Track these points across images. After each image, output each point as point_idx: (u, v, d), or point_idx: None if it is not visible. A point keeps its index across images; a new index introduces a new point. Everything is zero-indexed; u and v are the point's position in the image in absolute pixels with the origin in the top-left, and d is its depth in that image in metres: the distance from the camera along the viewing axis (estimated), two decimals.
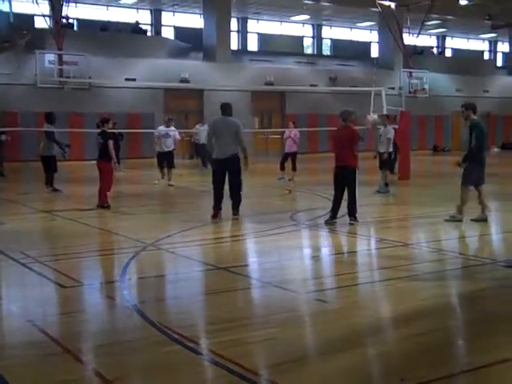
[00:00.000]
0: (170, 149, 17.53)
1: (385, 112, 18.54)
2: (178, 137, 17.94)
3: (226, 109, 10.92)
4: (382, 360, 4.64)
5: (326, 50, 45.94)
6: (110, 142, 12.49)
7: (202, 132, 22.57)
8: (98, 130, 13.49)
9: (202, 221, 10.90)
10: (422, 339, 4.94)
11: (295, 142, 18.31)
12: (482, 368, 4.37)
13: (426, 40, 46.82)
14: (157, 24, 39.10)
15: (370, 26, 43.37)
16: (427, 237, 9.94)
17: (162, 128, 17.86)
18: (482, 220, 10.47)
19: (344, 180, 10.40)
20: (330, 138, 10.71)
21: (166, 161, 17.39)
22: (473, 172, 10.34)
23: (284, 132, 19.93)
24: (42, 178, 16.08)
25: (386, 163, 15.21)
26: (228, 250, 9.04)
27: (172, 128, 17.92)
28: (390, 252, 8.36)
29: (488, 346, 4.79)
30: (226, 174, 10.88)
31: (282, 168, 18.48)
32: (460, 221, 10.43)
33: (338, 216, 10.55)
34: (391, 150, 15.35)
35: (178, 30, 39.40)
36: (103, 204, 12.38)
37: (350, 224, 10.25)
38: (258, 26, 42.92)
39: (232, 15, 34.76)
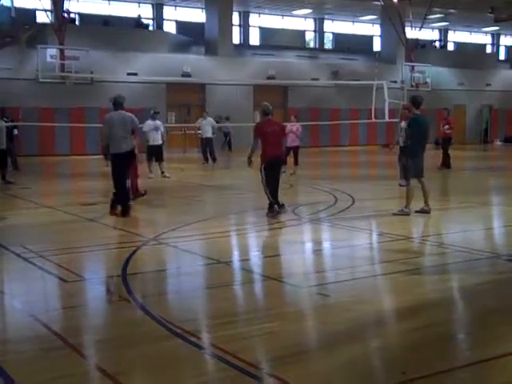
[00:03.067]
0: (160, 143, 17.70)
1: (387, 107, 18.54)
2: (162, 130, 18.15)
3: (118, 102, 10.74)
4: (383, 353, 4.64)
5: (328, 44, 45.85)
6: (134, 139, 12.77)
7: (204, 126, 22.61)
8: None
9: (204, 215, 10.91)
10: (423, 333, 4.94)
11: (297, 137, 18.31)
12: (485, 361, 4.36)
13: (429, 33, 46.69)
14: (158, 18, 39.05)
15: (372, 19, 43.25)
16: (429, 230, 9.94)
17: (149, 122, 17.90)
18: (405, 214, 10.50)
19: (277, 173, 10.68)
20: (262, 133, 10.63)
21: (155, 155, 17.58)
22: (414, 165, 10.59)
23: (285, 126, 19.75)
24: (44, 173, 16.12)
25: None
26: (230, 244, 9.04)
27: (158, 122, 18.09)
28: (391, 246, 8.36)
29: (490, 340, 4.79)
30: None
31: (285, 162, 18.41)
32: (407, 214, 10.46)
33: (342, 209, 10.51)
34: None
35: (180, 25, 39.34)
36: (138, 193, 12.67)
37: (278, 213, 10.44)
38: (259, 20, 42.83)
39: (233, 9, 34.69)
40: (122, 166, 10.77)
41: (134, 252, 7.93)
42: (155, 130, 17.71)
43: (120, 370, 4.29)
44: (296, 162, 18.32)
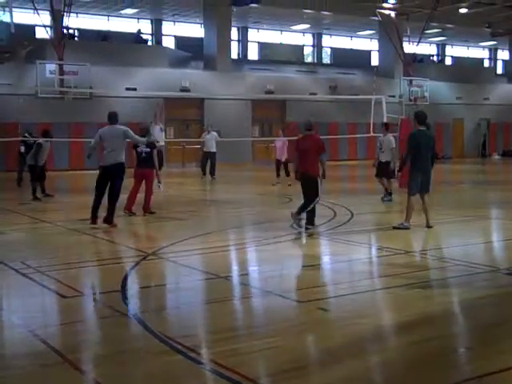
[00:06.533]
0: None
1: (385, 120, 18.59)
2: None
3: (111, 117, 11.52)
4: (383, 368, 4.62)
5: (326, 59, 46.05)
6: (155, 152, 13.22)
7: (207, 140, 22.75)
8: None
9: (203, 230, 10.89)
10: (424, 347, 4.92)
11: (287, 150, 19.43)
12: (486, 376, 4.34)
13: (426, 48, 46.93)
14: (157, 34, 39.24)
15: (370, 34, 43.49)
16: (428, 244, 9.93)
17: None
18: (405, 228, 10.50)
19: (306, 187, 10.68)
20: (296, 148, 10.90)
21: None
22: (413, 181, 10.69)
23: (276, 140, 20.68)
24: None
25: (390, 172, 15.01)
26: (229, 259, 9.03)
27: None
28: (390, 260, 8.34)
29: (491, 354, 4.77)
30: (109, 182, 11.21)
31: (278, 175, 19.69)
32: (407, 228, 10.49)
33: (341, 223, 10.50)
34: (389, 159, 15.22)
35: (179, 40, 39.52)
36: (149, 210, 12.87)
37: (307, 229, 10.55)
38: (258, 35, 43.04)
39: (232, 24, 34.87)
40: (106, 177, 11.14)
41: (134, 267, 7.92)
42: None
43: None
44: (288, 174, 19.14)
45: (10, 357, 4.93)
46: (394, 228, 10.52)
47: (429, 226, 10.61)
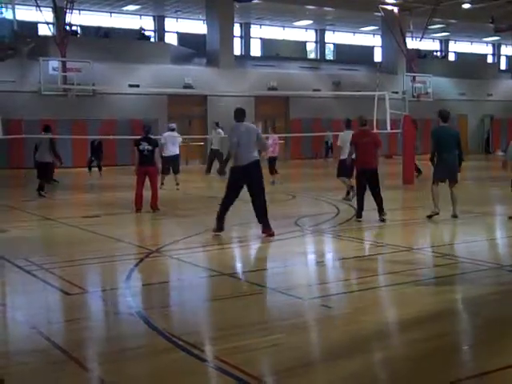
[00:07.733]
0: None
1: (388, 116, 18.57)
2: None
3: (237, 114, 10.29)
4: (388, 365, 4.61)
5: (330, 55, 45.98)
6: (157, 149, 13.27)
7: (213, 138, 22.85)
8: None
9: (207, 226, 10.88)
10: (428, 344, 4.92)
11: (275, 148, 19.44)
12: (490, 373, 4.33)
13: (430, 44, 46.80)
14: (160, 30, 39.21)
15: (373, 30, 43.38)
16: (432, 241, 9.92)
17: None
18: (436, 214, 11.06)
19: (366, 180, 11.20)
20: (354, 142, 11.49)
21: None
22: (436, 170, 11.37)
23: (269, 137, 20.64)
24: (46, 185, 16.17)
25: (344, 171, 13.90)
26: (233, 256, 9.03)
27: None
28: (394, 257, 8.34)
29: (495, 351, 4.77)
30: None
31: (273, 172, 19.41)
32: (437, 214, 11.04)
33: (344, 220, 10.51)
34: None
35: (182, 36, 39.47)
36: (157, 207, 12.88)
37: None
38: (260, 32, 42.98)
39: (235, 21, 34.85)
40: (243, 179, 9.87)
41: (137, 264, 7.93)
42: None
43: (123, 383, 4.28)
44: (275, 171, 19.13)
45: (14, 353, 4.94)
46: (428, 217, 11.05)
47: (454, 216, 11.12)
